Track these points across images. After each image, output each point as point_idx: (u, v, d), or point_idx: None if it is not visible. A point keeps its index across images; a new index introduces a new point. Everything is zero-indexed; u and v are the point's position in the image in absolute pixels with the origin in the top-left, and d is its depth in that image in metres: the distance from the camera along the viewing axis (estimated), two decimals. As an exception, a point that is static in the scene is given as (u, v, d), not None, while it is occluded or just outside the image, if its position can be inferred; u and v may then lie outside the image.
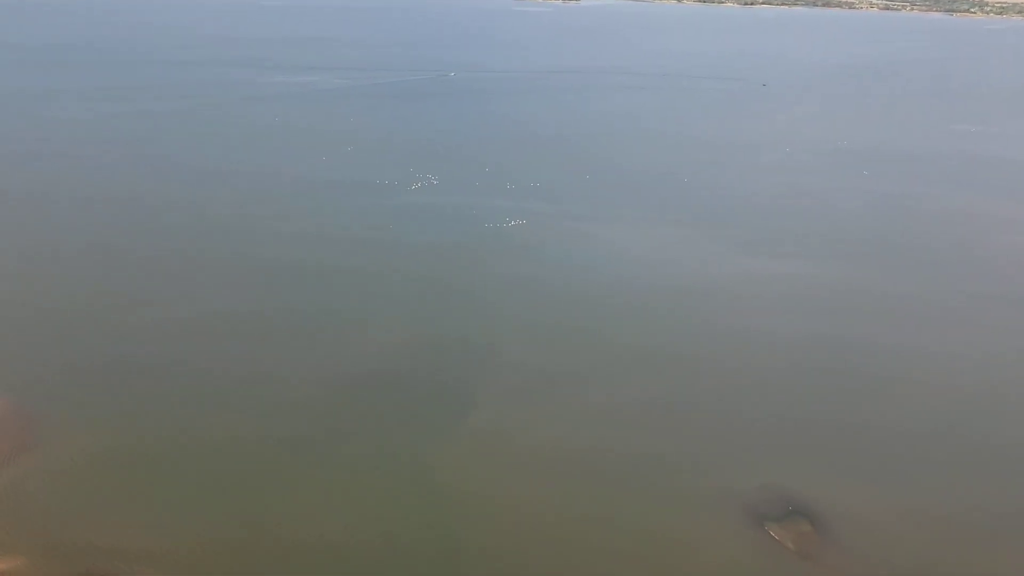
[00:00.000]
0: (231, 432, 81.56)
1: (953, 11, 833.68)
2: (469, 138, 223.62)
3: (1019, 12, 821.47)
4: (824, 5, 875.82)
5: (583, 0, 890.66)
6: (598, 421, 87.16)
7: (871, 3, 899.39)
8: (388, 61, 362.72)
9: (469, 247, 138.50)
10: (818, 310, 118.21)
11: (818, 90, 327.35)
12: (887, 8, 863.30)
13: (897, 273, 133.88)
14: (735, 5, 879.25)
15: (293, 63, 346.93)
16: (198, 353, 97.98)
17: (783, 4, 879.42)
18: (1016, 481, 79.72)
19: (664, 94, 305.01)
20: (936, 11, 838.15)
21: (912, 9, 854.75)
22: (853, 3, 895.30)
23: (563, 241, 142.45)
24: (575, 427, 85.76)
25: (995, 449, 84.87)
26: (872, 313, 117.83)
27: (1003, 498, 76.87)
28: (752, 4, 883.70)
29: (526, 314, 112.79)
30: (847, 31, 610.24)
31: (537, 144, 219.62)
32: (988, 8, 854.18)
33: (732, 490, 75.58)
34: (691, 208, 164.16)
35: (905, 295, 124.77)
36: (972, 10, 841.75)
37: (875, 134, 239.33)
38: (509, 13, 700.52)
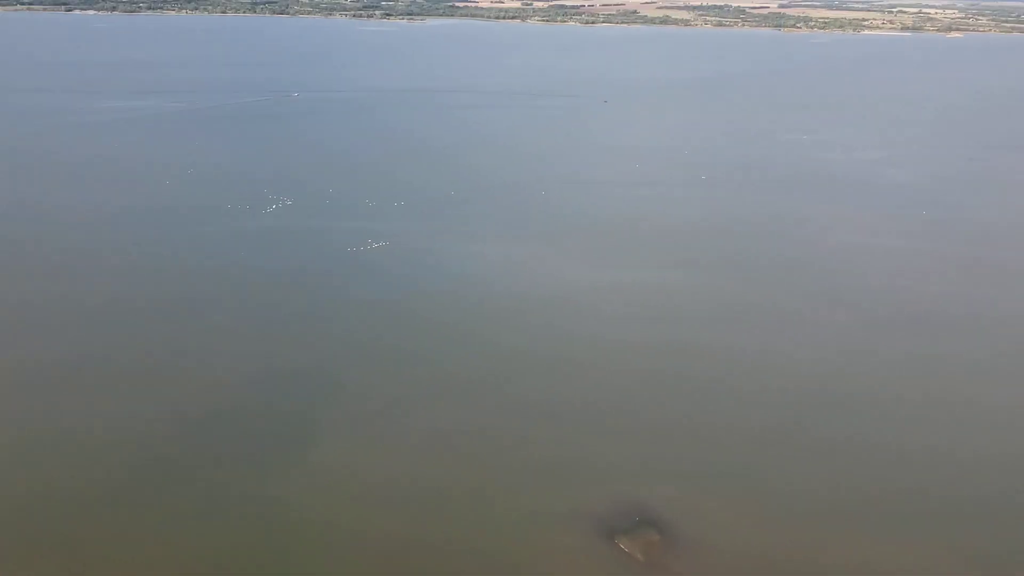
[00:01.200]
0: (56, 484, 75.64)
1: (781, 26, 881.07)
2: (321, 158, 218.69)
3: (839, 26, 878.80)
4: (662, 23, 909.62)
5: (428, 20, 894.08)
6: (443, 446, 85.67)
7: (706, 20, 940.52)
8: (229, 83, 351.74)
9: (323, 272, 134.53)
10: (664, 317, 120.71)
11: (659, 104, 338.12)
12: (720, 25, 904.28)
13: (737, 277, 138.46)
14: (578, 24, 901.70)
15: (128, 88, 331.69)
16: (12, 404, 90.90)
17: (623, 23, 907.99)
18: (851, 473, 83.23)
19: (513, 111, 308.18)
20: (766, 27, 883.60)
21: (744, 25, 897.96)
22: (689, 21, 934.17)
23: (423, 262, 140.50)
24: (419, 454, 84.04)
25: (833, 445, 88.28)
26: (715, 318, 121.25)
27: (840, 492, 79.97)
28: (594, 23, 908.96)
29: (375, 340, 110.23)
30: (684, 47, 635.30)
31: (394, 162, 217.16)
32: (812, 23, 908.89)
33: (582, 505, 75.45)
34: (544, 222, 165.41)
35: (745, 298, 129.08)
36: (798, 25, 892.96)
37: (714, 145, 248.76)
38: (353, 32, 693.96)
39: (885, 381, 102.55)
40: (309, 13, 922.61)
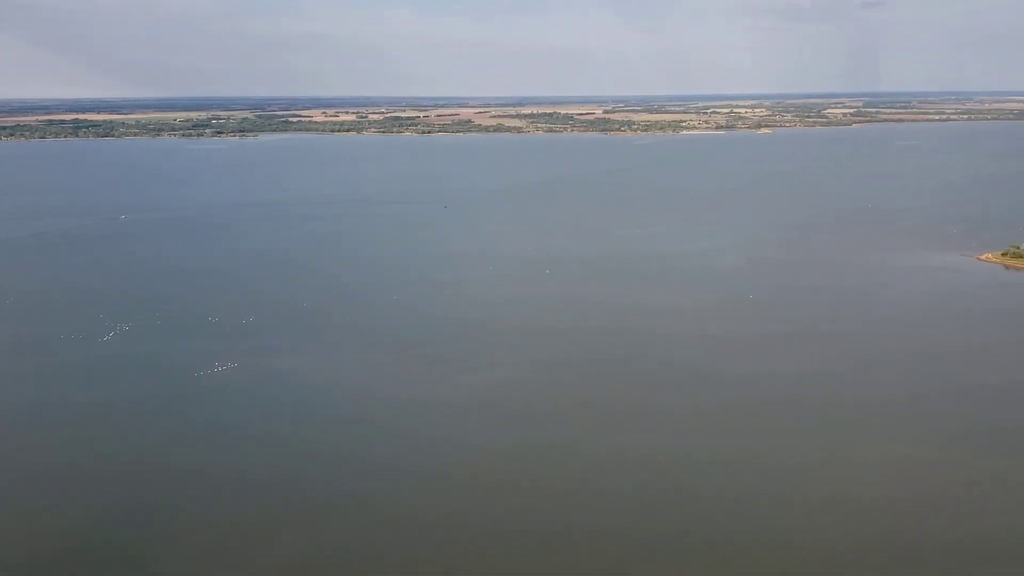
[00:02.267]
0: None
1: (607, 130, 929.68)
2: (158, 278, 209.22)
3: (660, 128, 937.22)
4: (496, 131, 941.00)
5: (261, 136, 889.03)
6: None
7: (537, 127, 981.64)
8: (49, 210, 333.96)
9: (166, 401, 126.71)
10: (519, 419, 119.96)
11: (497, 208, 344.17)
12: (551, 131, 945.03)
13: (584, 373, 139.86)
14: (414, 134, 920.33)
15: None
16: None
17: (459, 132, 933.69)
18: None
19: (355, 220, 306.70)
20: (593, 131, 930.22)
21: (572, 131, 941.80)
22: (521, 128, 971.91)
23: (274, 382, 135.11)
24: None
25: (701, 547, 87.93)
26: (567, 417, 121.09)
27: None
28: (430, 133, 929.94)
29: (222, 469, 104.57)
30: (517, 153, 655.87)
31: (237, 276, 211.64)
32: (635, 126, 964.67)
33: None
34: (396, 328, 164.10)
35: (594, 394, 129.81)
36: (622, 128, 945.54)
37: (555, 243, 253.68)
38: (183, 151, 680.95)
39: (737, 473, 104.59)
40: (136, 134, 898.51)
